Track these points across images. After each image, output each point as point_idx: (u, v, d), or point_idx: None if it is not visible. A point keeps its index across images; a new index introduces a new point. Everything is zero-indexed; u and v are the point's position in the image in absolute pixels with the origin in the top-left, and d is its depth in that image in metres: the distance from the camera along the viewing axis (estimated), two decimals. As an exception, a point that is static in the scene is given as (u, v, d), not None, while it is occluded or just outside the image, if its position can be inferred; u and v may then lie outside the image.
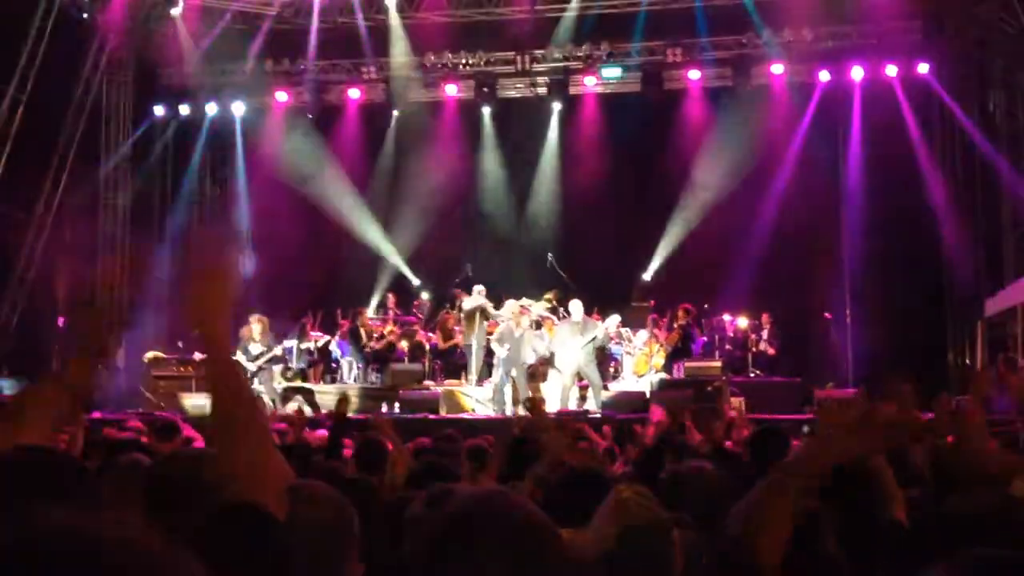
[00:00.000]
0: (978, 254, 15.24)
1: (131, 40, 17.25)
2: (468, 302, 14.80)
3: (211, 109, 18.39)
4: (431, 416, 13.06)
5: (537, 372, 14.42)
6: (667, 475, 3.45)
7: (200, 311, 1.67)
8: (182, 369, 15.47)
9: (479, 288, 15.05)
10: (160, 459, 2.70)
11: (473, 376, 14.66)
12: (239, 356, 13.81)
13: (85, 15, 15.94)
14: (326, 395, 14.77)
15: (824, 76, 16.61)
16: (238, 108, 18.39)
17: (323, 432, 7.04)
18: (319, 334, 16.15)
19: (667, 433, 6.35)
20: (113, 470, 4.02)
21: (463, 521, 1.51)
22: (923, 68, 16.02)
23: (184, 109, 18.38)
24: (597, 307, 14.57)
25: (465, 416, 13.19)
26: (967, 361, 15.21)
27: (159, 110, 18.33)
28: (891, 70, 16.25)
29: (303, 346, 15.77)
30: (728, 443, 6.31)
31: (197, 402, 13.79)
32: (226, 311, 1.70)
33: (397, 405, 14.16)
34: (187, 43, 17.26)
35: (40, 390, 2.26)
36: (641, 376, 14.76)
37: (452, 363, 15.72)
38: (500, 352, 13.77)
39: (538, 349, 14.39)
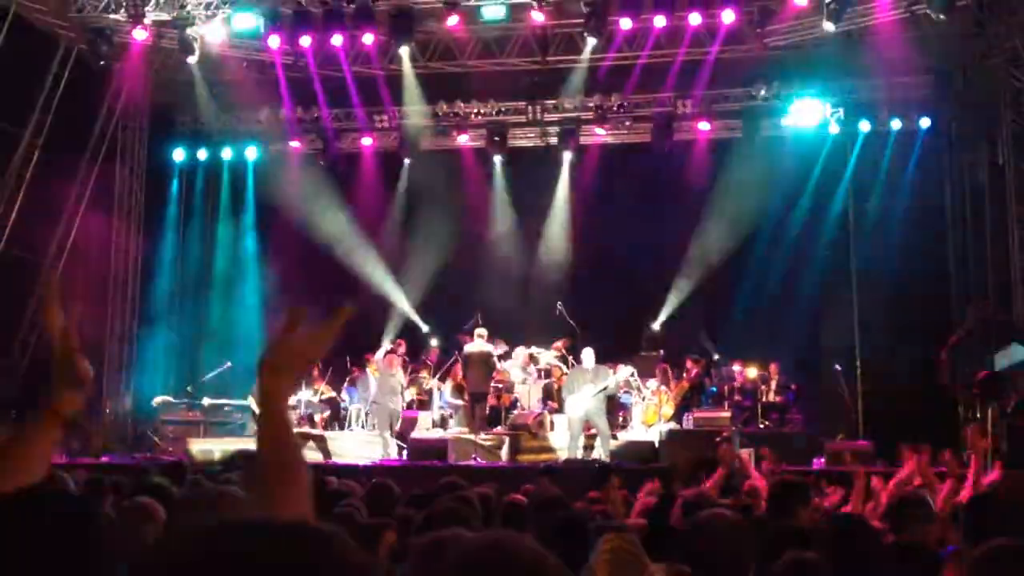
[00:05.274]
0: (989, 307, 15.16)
1: (147, 87, 17.42)
2: (470, 347, 14.65)
3: (226, 155, 18.55)
4: (438, 463, 12.96)
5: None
6: (686, 524, 3.41)
7: (277, 367, 1.76)
8: (190, 414, 15.47)
9: (480, 331, 14.88)
10: (179, 498, 2.69)
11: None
12: (251, 401, 13.80)
13: (102, 62, 16.09)
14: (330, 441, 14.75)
15: (833, 128, 16.74)
16: (251, 154, 18.51)
17: (332, 479, 7.06)
18: (325, 385, 15.98)
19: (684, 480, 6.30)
20: (123, 512, 4.02)
21: (473, 566, 1.47)
22: (931, 121, 16.11)
23: (199, 156, 18.55)
24: (610, 358, 14.45)
25: (472, 464, 13.11)
26: (977, 415, 15.08)
27: (174, 156, 18.49)
28: (897, 123, 16.36)
29: (310, 398, 15.64)
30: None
31: (204, 447, 13.77)
32: (297, 373, 1.85)
33: (405, 451, 14.10)
34: (203, 90, 17.41)
35: (38, 426, 2.19)
36: (650, 426, 14.66)
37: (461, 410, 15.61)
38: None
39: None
